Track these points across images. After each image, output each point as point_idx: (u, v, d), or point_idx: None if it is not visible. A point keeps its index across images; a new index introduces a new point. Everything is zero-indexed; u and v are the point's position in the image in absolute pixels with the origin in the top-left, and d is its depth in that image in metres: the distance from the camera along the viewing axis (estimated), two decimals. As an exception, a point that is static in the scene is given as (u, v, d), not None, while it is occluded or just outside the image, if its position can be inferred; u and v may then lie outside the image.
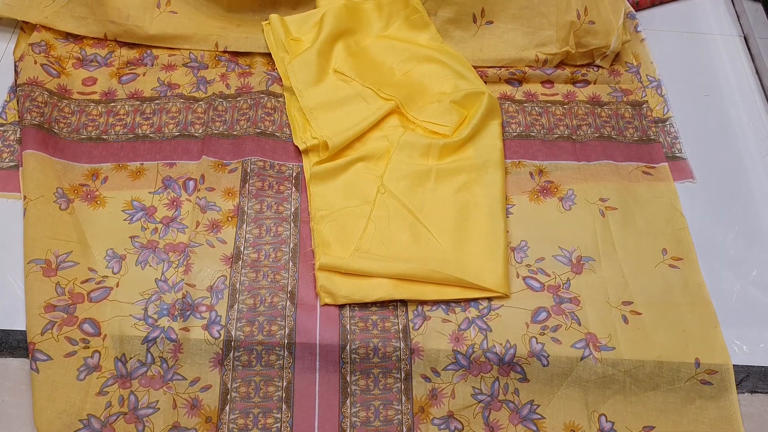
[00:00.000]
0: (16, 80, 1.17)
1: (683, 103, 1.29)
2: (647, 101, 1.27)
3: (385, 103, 1.18)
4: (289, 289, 1.00)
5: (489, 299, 1.01)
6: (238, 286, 1.00)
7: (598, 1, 1.26)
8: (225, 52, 1.28)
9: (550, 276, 1.05)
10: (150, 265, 1.02)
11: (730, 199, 1.16)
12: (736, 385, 0.96)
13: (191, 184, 1.10)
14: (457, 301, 1.01)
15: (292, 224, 1.07)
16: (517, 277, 1.04)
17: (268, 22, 1.28)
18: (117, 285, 0.99)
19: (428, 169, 1.11)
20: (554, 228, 1.10)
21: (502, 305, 1.01)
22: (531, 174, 1.16)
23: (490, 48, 1.29)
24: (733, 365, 0.97)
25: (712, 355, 0.98)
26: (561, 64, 1.30)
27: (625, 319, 1.01)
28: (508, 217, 1.10)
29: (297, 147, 1.15)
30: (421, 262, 1.01)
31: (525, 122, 1.23)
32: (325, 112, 1.18)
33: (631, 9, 1.40)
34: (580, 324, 1.00)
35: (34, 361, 0.91)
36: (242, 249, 1.04)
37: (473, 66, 1.26)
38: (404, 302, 1.00)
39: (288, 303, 0.99)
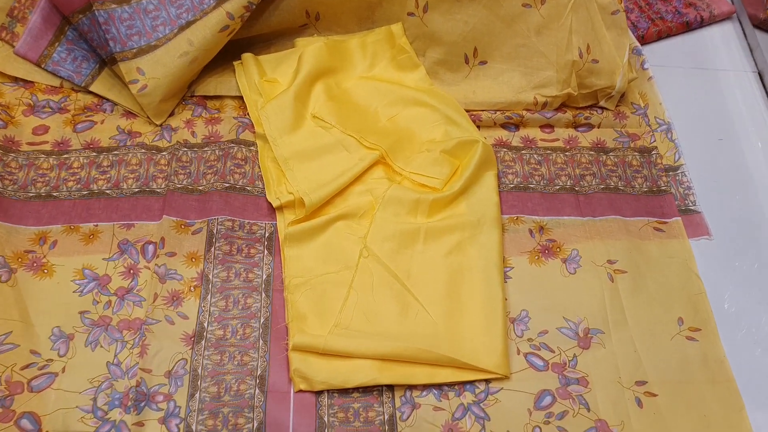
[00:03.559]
0: (-43, 131, 1.05)
1: (696, 148, 1.17)
2: (656, 147, 1.16)
3: (369, 153, 1.07)
4: (259, 373, 0.88)
5: (487, 381, 0.90)
6: (200, 370, 0.88)
7: (600, 37, 1.15)
8: (192, 96, 1.16)
9: (554, 352, 0.93)
10: (101, 346, 0.89)
11: (752, 259, 1.04)
12: (767, 480, 0.85)
13: (150, 248, 0.98)
14: (451, 384, 0.89)
15: (264, 294, 0.95)
16: (518, 354, 0.93)
17: (240, 61, 1.16)
18: (63, 370, 0.87)
19: (416, 228, 1.00)
20: (558, 295, 0.98)
21: (502, 388, 0.90)
22: (531, 231, 1.04)
23: (484, 90, 1.17)
24: (764, 457, 0.86)
25: (738, 445, 0.87)
26: (562, 107, 1.19)
27: (639, 402, 0.89)
28: (506, 281, 0.99)
29: (271, 203, 1.03)
30: (410, 339, 0.90)
31: (523, 172, 1.11)
32: (301, 162, 1.06)
33: (637, 44, 1.29)
34: (589, 409, 0.88)
35: (-38, 466, 0.78)
36: (206, 325, 0.92)
37: (466, 110, 1.15)
38: (391, 387, 0.89)
39: (257, 390, 0.87)
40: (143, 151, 1.08)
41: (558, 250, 1.03)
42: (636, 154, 1.15)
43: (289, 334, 0.91)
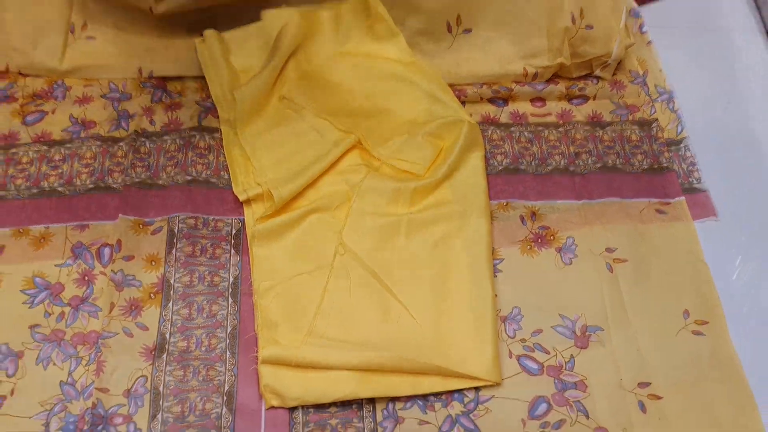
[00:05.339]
0: None
1: (700, 119, 1.07)
2: (657, 119, 1.06)
3: (344, 137, 0.98)
4: (226, 389, 0.81)
5: (476, 389, 0.82)
6: (161, 388, 0.80)
7: (594, -1, 1.04)
8: (151, 77, 1.06)
9: (549, 353, 0.86)
10: (54, 364, 0.82)
11: (765, 241, 0.96)
12: (784, 488, 0.78)
13: (106, 251, 0.89)
14: (438, 395, 0.82)
15: (231, 299, 0.87)
16: (510, 357, 0.85)
17: (202, 39, 1.06)
18: (11, 393, 0.79)
19: (397, 221, 0.91)
20: (553, 289, 0.90)
21: (493, 396, 0.82)
22: (522, 218, 0.96)
23: (469, 62, 1.07)
24: (780, 462, 0.79)
25: (752, 450, 0.79)
26: (554, 78, 1.08)
27: (643, 407, 0.82)
28: (495, 275, 0.90)
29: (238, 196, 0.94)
30: (392, 347, 0.82)
31: (512, 152, 1.02)
32: (269, 150, 0.97)
33: (634, 4, 1.18)
34: (588, 416, 0.81)
35: None
36: (167, 336, 0.84)
37: (450, 84, 1.05)
38: (372, 399, 0.81)
39: (224, 409, 0.79)
40: (98, 143, 0.99)
41: (552, 238, 0.94)
42: (635, 127, 1.06)
43: (258, 345, 0.83)
